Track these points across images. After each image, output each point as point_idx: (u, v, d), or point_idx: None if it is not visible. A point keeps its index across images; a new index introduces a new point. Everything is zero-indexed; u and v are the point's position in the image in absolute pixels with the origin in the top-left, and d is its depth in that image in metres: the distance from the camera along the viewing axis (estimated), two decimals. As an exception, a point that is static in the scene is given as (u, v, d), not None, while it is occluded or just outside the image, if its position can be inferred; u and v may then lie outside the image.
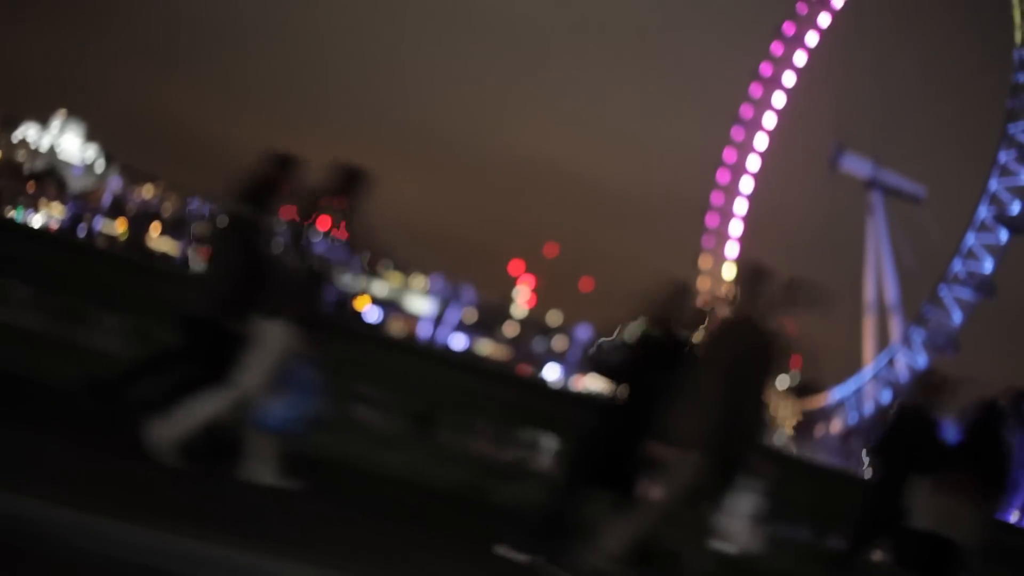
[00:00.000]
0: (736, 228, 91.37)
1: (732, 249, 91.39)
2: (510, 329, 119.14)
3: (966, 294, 77.89)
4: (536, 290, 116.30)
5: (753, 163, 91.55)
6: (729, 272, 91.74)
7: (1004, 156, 76.71)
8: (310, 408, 9.34)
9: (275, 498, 8.75)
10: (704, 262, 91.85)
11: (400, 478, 10.55)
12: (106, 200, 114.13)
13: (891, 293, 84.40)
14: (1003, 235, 77.08)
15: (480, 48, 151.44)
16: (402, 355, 11.58)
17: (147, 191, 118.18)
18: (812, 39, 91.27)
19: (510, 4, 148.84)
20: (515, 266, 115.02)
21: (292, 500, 8.88)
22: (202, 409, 9.11)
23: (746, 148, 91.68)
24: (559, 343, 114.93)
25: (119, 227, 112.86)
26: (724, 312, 8.66)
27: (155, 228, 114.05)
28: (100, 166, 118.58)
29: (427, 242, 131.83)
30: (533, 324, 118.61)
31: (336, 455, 10.59)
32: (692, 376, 8.50)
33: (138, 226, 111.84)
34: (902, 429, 10.66)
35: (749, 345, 8.54)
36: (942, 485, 9.89)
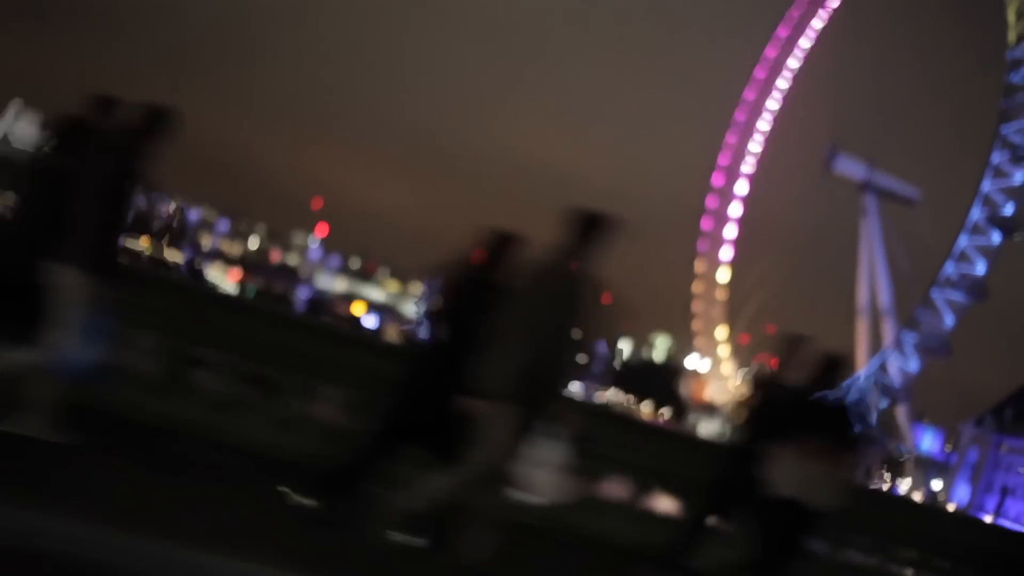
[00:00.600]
0: (731, 231, 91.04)
1: (727, 252, 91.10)
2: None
3: (958, 297, 77.29)
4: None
5: (748, 166, 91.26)
6: (724, 275, 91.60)
7: (997, 157, 76.18)
8: (100, 356, 8.74)
9: (53, 451, 8.19)
10: (699, 266, 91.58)
11: (220, 441, 9.96)
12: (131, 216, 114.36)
13: (884, 296, 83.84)
14: (996, 237, 76.52)
15: (476, 50, 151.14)
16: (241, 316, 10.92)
17: (164, 206, 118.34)
18: (806, 42, 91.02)
19: (507, 6, 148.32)
20: None
21: (74, 454, 8.31)
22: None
23: (741, 151, 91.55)
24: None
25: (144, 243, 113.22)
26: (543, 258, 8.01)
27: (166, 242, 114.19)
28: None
29: (425, 247, 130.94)
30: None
31: (164, 417, 10.00)
32: (498, 322, 7.88)
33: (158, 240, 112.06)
34: (765, 400, 10.12)
35: (553, 289, 7.89)
36: (799, 451, 9.37)
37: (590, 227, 8.03)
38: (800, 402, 9.64)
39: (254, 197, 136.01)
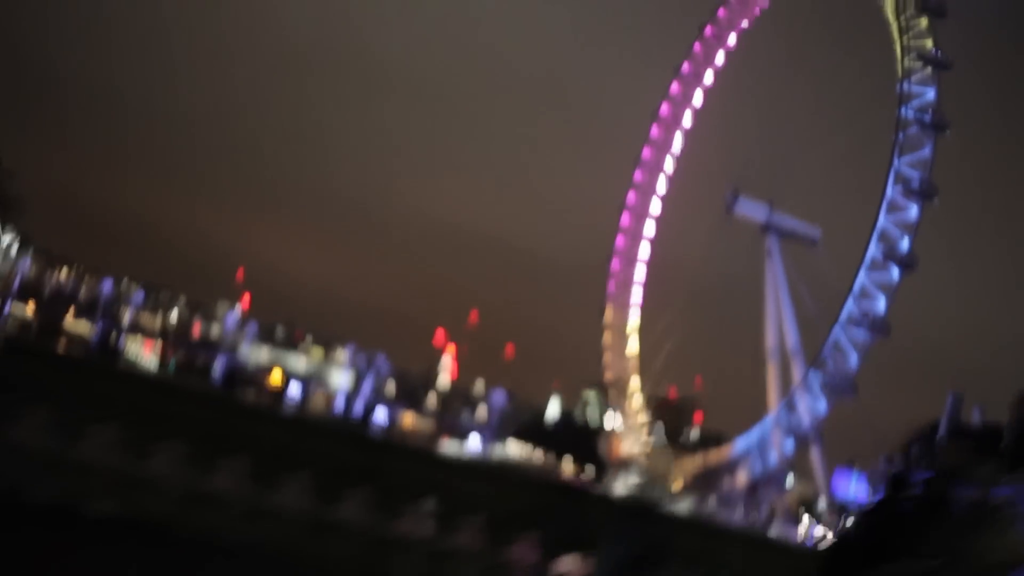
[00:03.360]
0: (639, 273, 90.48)
1: (636, 294, 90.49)
2: (433, 400, 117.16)
3: (861, 335, 76.29)
4: (460, 359, 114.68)
5: (654, 207, 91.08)
6: (634, 325, 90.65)
7: (892, 191, 75.54)
8: None
9: None
10: (608, 315, 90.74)
11: None
12: (16, 283, 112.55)
13: (791, 337, 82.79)
14: (895, 273, 75.69)
15: (389, 112, 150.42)
16: None
17: (62, 274, 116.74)
18: (708, 80, 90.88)
19: (420, 67, 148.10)
20: (438, 336, 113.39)
21: None
22: None
23: (647, 192, 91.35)
24: (483, 412, 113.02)
25: (30, 310, 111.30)
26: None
27: (70, 311, 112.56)
28: (13, 249, 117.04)
29: (348, 314, 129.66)
30: (458, 394, 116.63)
31: None
32: None
33: (52, 309, 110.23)
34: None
35: None
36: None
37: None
38: None
39: (174, 268, 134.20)
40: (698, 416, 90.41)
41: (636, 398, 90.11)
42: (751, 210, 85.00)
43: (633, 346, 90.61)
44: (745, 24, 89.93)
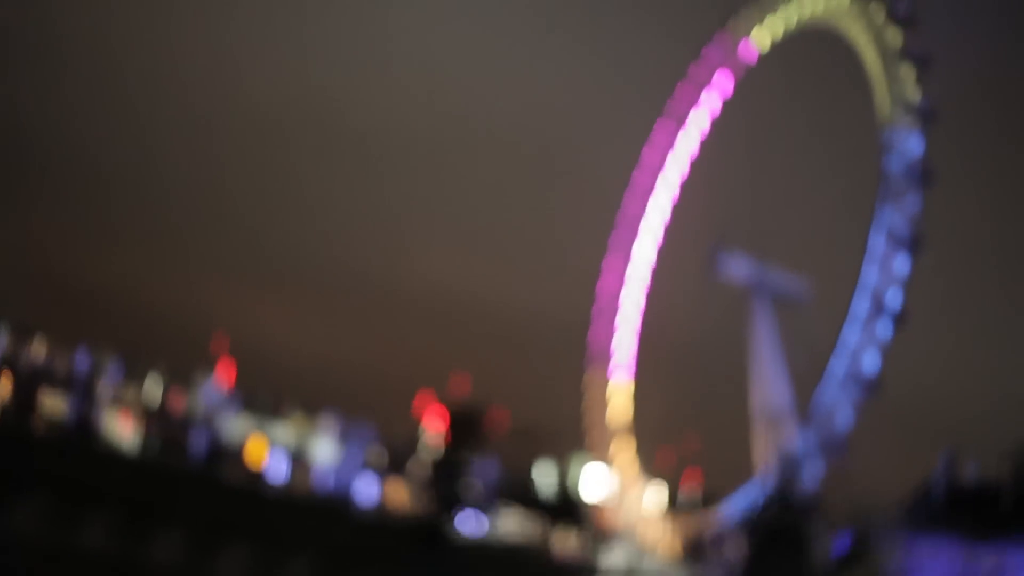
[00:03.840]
0: (623, 333, 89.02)
1: (620, 355, 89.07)
2: (420, 468, 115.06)
3: (853, 393, 74.56)
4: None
5: (636, 266, 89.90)
6: (622, 388, 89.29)
7: (878, 244, 74.12)
8: None
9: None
10: (592, 377, 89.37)
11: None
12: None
13: (782, 397, 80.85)
14: (887, 327, 74.01)
15: (373, 179, 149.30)
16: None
17: (37, 348, 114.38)
18: (690, 138, 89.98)
19: (403, 134, 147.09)
20: (426, 402, 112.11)
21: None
22: None
23: (629, 251, 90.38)
24: (474, 482, 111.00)
25: (4, 387, 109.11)
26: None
27: (45, 388, 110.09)
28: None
29: (333, 381, 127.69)
30: (448, 463, 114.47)
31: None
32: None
33: (27, 386, 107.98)
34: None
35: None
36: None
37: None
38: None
39: (153, 337, 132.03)
40: (695, 475, 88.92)
41: (624, 461, 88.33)
42: (737, 266, 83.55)
43: (618, 409, 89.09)
44: (729, 82, 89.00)
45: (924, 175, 75.22)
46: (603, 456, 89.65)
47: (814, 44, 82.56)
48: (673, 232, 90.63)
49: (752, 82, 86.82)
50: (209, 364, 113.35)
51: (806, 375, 78.71)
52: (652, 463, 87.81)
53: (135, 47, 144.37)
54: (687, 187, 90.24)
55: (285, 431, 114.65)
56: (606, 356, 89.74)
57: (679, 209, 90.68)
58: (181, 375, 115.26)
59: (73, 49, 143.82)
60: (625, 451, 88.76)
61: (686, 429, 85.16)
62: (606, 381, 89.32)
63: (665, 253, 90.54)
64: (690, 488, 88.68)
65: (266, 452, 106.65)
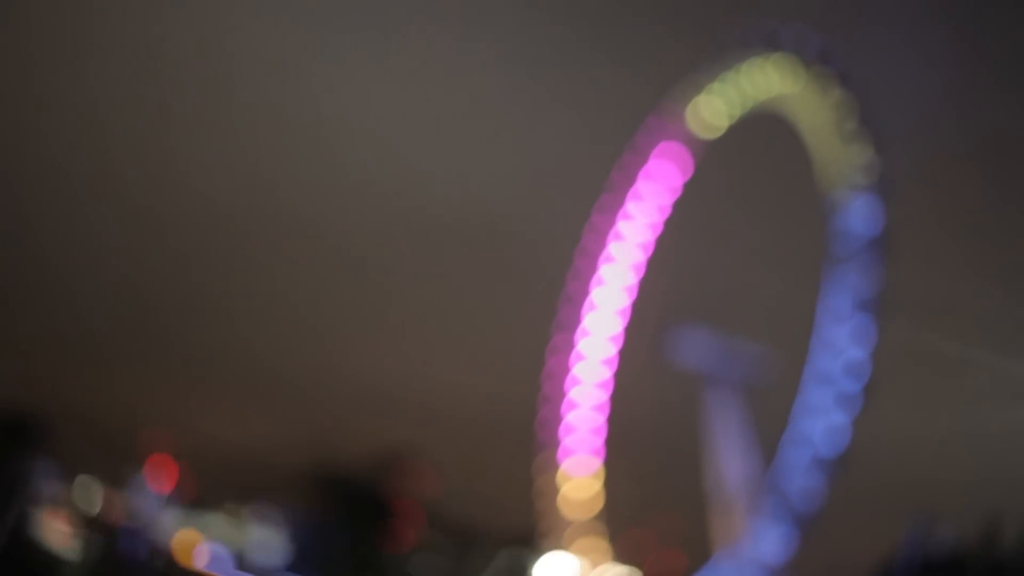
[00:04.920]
0: (576, 418, 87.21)
1: (575, 443, 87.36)
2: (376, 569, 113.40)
3: (819, 465, 73.20)
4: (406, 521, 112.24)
5: (587, 348, 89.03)
6: (584, 471, 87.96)
7: (835, 309, 73.33)
8: None
9: None
10: (547, 462, 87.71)
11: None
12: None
13: (745, 465, 79.60)
14: (850, 394, 72.89)
15: (307, 263, 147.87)
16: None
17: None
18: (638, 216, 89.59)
19: (340, 218, 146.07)
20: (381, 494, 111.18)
21: None
22: None
23: (578, 333, 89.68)
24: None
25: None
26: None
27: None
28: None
29: (276, 478, 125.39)
30: (404, 561, 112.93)
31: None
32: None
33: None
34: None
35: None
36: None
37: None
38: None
39: (85, 441, 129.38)
40: (670, 557, 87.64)
41: (587, 548, 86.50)
42: (693, 345, 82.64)
43: (577, 493, 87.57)
44: (675, 158, 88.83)
45: (880, 241, 74.86)
46: (566, 544, 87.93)
47: (764, 113, 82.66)
48: (623, 313, 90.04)
49: (700, 155, 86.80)
50: (143, 464, 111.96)
51: (770, 449, 77.80)
52: (621, 548, 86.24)
53: (54, 136, 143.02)
54: (636, 265, 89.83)
55: (222, 526, 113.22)
56: (559, 440, 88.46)
57: (628, 289, 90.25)
58: (115, 477, 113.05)
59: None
60: (589, 537, 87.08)
61: (657, 511, 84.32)
62: (561, 465, 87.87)
63: (617, 334, 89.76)
64: (665, 571, 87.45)
65: (202, 548, 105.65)
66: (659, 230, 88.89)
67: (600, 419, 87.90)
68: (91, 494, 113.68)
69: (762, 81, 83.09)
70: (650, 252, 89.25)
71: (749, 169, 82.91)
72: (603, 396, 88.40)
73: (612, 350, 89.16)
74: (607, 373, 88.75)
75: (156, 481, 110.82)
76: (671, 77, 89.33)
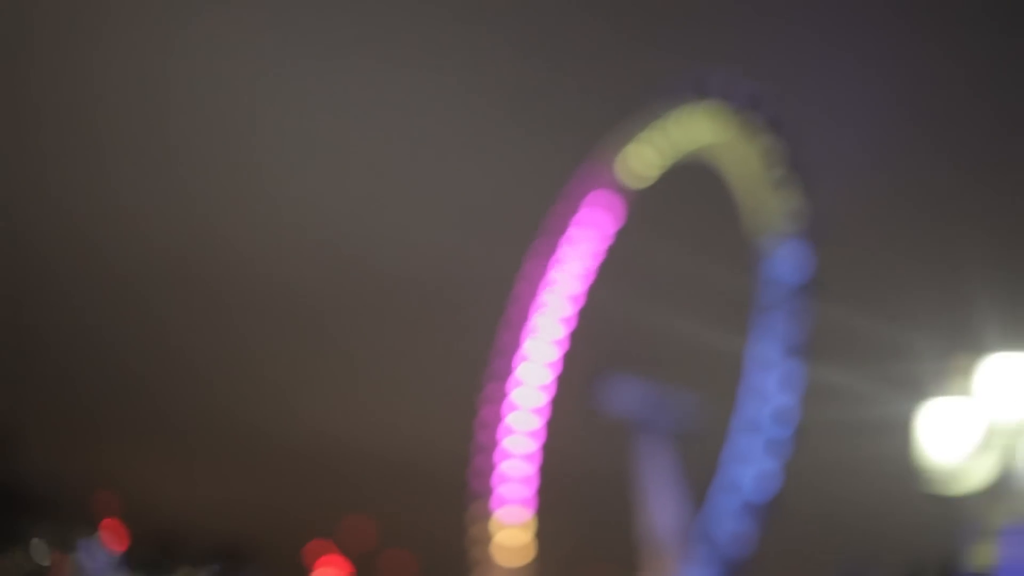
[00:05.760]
0: (510, 469, 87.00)
1: (509, 492, 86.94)
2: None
3: (748, 509, 73.20)
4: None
5: (518, 399, 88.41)
6: (514, 519, 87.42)
7: (762, 354, 73.45)
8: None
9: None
10: (479, 511, 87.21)
11: None
12: None
13: (677, 513, 79.38)
14: (778, 437, 72.96)
15: (248, 321, 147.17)
16: None
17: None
18: (569, 267, 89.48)
19: (281, 276, 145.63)
20: (318, 551, 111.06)
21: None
22: None
23: (510, 385, 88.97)
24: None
25: None
26: None
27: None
28: None
29: (222, 532, 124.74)
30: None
31: None
32: None
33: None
34: None
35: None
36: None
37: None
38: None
39: (32, 504, 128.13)
40: None
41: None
42: (623, 394, 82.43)
43: (509, 543, 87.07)
44: (605, 210, 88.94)
45: (807, 287, 75.09)
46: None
47: (692, 163, 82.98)
48: (555, 362, 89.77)
49: (631, 204, 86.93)
50: (93, 525, 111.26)
51: (700, 497, 77.68)
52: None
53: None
54: (567, 314, 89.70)
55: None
56: (492, 489, 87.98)
57: (559, 339, 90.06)
58: (64, 538, 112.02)
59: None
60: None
61: (590, 559, 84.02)
62: (494, 514, 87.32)
63: (549, 383, 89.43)
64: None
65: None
66: (590, 279, 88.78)
67: (532, 468, 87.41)
68: (42, 556, 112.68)
69: (691, 129, 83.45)
70: (582, 301, 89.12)
71: (679, 217, 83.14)
72: (535, 445, 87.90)
73: (544, 399, 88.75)
74: (539, 422, 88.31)
75: (107, 543, 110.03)
76: (603, 126, 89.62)
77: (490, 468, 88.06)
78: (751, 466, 73.01)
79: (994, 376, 13.21)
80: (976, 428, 12.87)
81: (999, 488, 12.97)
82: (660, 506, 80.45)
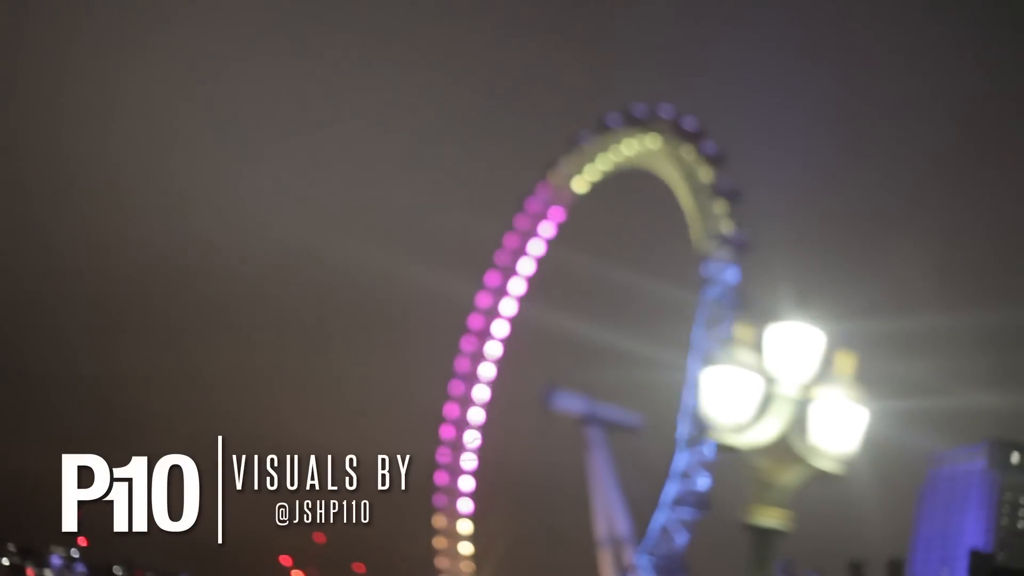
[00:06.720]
0: (466, 483, 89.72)
1: (465, 504, 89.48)
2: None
3: (687, 514, 77.01)
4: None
5: (473, 415, 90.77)
6: (466, 526, 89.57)
7: (696, 371, 76.90)
8: None
9: None
10: (438, 520, 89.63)
11: None
12: None
13: (621, 524, 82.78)
14: (709, 450, 76.70)
15: (219, 337, 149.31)
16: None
17: None
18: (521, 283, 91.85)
19: (251, 293, 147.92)
20: (284, 561, 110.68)
21: None
22: None
23: (467, 401, 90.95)
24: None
25: None
26: None
27: None
28: None
29: (186, 546, 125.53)
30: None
31: None
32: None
33: None
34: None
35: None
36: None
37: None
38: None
39: (4, 516, 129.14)
40: None
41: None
42: (569, 404, 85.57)
43: (466, 551, 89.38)
44: (552, 228, 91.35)
45: (740, 303, 78.72)
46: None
47: (635, 186, 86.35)
48: (509, 373, 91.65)
49: (576, 226, 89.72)
50: (62, 538, 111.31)
51: (641, 501, 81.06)
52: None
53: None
54: (521, 330, 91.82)
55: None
56: (454, 495, 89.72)
57: (514, 351, 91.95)
58: (32, 550, 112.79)
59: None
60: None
61: (540, 565, 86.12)
62: (450, 525, 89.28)
63: (501, 394, 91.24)
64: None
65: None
66: (540, 296, 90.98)
67: (479, 481, 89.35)
68: (11, 569, 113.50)
69: (632, 156, 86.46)
70: (531, 316, 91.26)
71: (624, 234, 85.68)
72: (482, 460, 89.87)
73: (495, 410, 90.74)
74: (493, 429, 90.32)
75: (78, 556, 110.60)
76: (549, 155, 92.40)
77: (446, 482, 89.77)
78: (685, 482, 76.95)
79: (778, 343, 16.20)
80: (758, 392, 15.75)
81: (781, 449, 16.10)
82: (607, 502, 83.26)
